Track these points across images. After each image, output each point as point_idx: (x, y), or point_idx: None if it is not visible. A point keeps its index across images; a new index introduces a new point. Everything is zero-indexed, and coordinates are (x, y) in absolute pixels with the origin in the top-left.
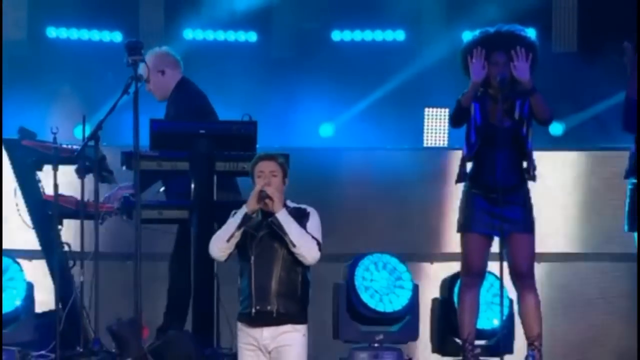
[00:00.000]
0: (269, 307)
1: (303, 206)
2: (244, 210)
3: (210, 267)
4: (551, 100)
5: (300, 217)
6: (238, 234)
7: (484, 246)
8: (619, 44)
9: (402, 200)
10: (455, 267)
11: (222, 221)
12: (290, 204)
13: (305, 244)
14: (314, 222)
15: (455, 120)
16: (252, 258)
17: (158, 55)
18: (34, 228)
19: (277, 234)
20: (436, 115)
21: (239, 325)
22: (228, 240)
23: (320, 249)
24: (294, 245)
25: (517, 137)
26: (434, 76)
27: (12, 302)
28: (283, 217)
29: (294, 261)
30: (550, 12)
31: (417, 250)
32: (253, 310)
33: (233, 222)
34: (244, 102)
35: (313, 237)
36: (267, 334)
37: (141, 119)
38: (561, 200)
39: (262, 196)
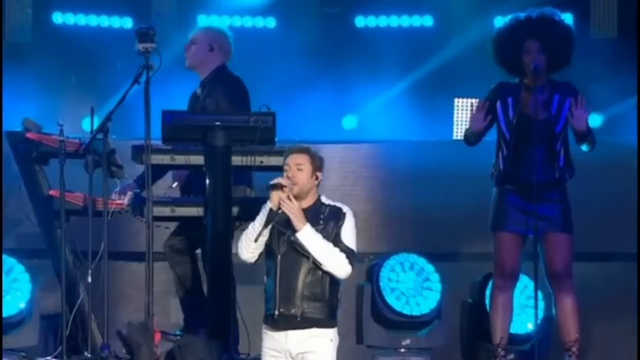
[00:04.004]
0: (293, 310)
1: (339, 205)
2: (268, 206)
3: (226, 267)
4: (589, 88)
5: (336, 219)
6: (266, 232)
7: (517, 245)
8: None
9: (430, 196)
10: (487, 267)
11: (238, 218)
12: (326, 201)
13: (332, 261)
14: (348, 226)
15: (469, 143)
16: (279, 257)
17: (217, 31)
18: (39, 226)
19: None
20: (466, 106)
21: (263, 327)
22: (256, 240)
23: (352, 260)
24: (321, 264)
25: (551, 133)
26: (464, 64)
27: (16, 304)
28: (305, 236)
29: None
30: None
31: (446, 249)
32: (276, 313)
33: (259, 219)
34: (262, 92)
35: (343, 249)
36: (291, 338)
37: (153, 110)
38: None
39: (273, 187)
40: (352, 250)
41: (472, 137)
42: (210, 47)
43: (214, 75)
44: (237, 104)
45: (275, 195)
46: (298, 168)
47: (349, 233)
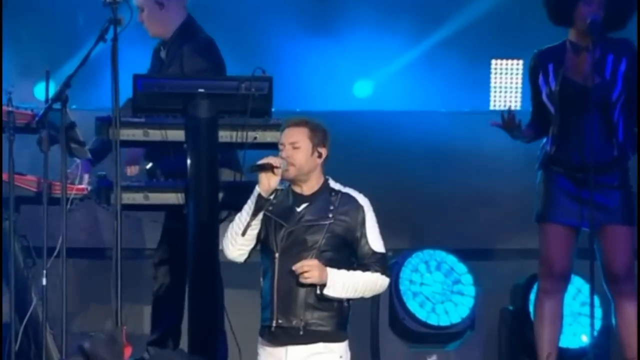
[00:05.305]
0: (294, 322)
1: (351, 192)
2: (257, 191)
3: (212, 266)
4: None
5: (351, 214)
6: (256, 223)
7: (568, 240)
8: None
9: (461, 180)
10: (531, 267)
11: (226, 207)
12: (335, 186)
13: (370, 289)
14: (371, 225)
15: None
16: (277, 255)
17: None
18: None
19: (311, 226)
20: (506, 68)
21: (260, 341)
22: (244, 234)
23: (387, 270)
24: (362, 297)
25: (606, 102)
26: (503, 18)
27: None
28: (336, 288)
29: (330, 261)
30: None
31: (481, 245)
32: (273, 324)
33: (247, 208)
34: (256, 53)
35: (375, 261)
36: (292, 354)
37: (122, 74)
38: None
39: (260, 168)
40: (383, 255)
41: (527, 139)
42: (159, 5)
43: (177, 35)
44: (205, 72)
45: (264, 178)
46: (294, 146)
47: (375, 234)
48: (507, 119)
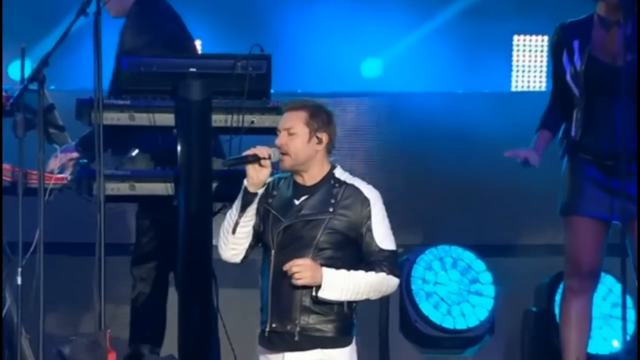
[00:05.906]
0: (288, 326)
1: (357, 184)
2: (244, 185)
3: (204, 263)
4: None
5: (355, 209)
6: (246, 220)
7: (597, 235)
8: None
9: (479, 168)
10: (556, 264)
11: (221, 199)
12: (341, 176)
13: (375, 291)
14: (379, 221)
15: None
16: (273, 252)
17: None
18: None
19: (310, 221)
20: (529, 45)
21: (258, 347)
22: (234, 231)
23: (396, 269)
24: (368, 299)
25: (638, 81)
26: None
27: None
28: (332, 290)
29: (330, 260)
30: None
31: (501, 240)
32: (267, 329)
33: (236, 204)
34: (254, 29)
35: (383, 259)
36: None
37: (105, 51)
38: None
39: (244, 160)
40: (392, 253)
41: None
42: None
43: (130, 11)
44: (149, 49)
45: (252, 171)
46: (289, 132)
47: (382, 229)
48: (523, 161)
